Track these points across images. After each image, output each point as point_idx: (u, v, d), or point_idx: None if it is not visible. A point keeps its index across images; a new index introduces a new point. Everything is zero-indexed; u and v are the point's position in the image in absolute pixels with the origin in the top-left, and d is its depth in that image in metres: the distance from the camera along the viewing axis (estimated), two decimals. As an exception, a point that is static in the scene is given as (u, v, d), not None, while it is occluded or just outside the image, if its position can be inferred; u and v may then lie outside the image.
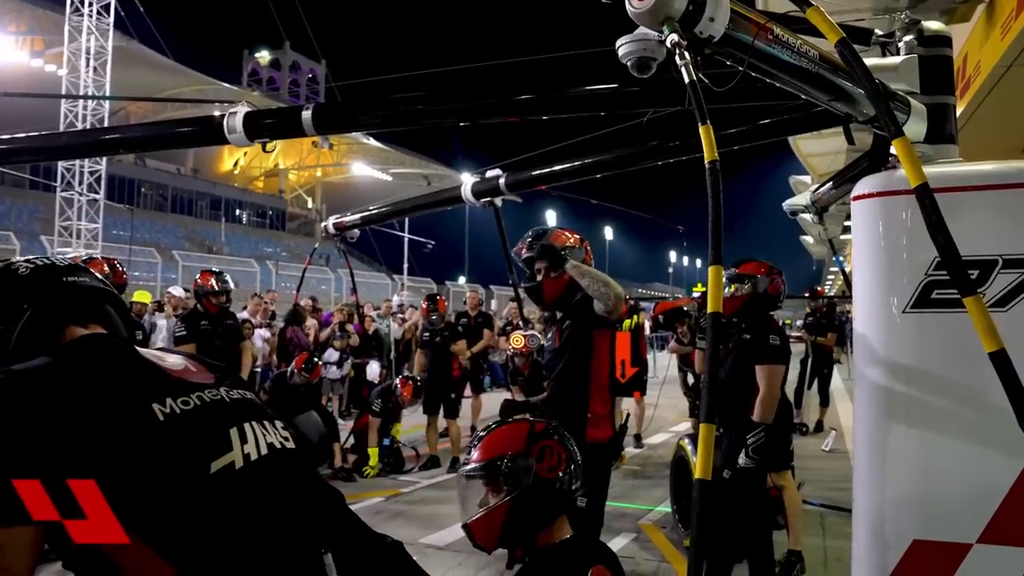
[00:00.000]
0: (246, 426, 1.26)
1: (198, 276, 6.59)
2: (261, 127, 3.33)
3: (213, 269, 6.69)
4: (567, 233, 3.77)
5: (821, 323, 9.73)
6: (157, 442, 1.14)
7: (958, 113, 3.23)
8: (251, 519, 1.18)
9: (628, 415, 7.67)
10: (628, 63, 1.94)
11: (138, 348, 1.34)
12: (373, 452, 7.36)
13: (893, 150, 2.96)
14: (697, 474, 1.59)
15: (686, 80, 1.63)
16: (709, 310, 1.57)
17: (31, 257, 1.46)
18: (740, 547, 4.01)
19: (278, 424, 1.36)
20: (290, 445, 1.35)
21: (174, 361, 1.34)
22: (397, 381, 7.56)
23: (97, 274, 1.50)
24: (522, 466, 1.85)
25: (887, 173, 2.78)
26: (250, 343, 6.71)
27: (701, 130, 1.58)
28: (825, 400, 9.28)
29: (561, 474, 1.88)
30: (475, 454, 1.93)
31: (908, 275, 2.59)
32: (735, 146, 3.53)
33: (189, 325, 6.22)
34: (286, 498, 1.26)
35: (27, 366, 1.15)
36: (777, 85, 2.20)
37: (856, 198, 2.73)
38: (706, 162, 1.60)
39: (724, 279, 4.18)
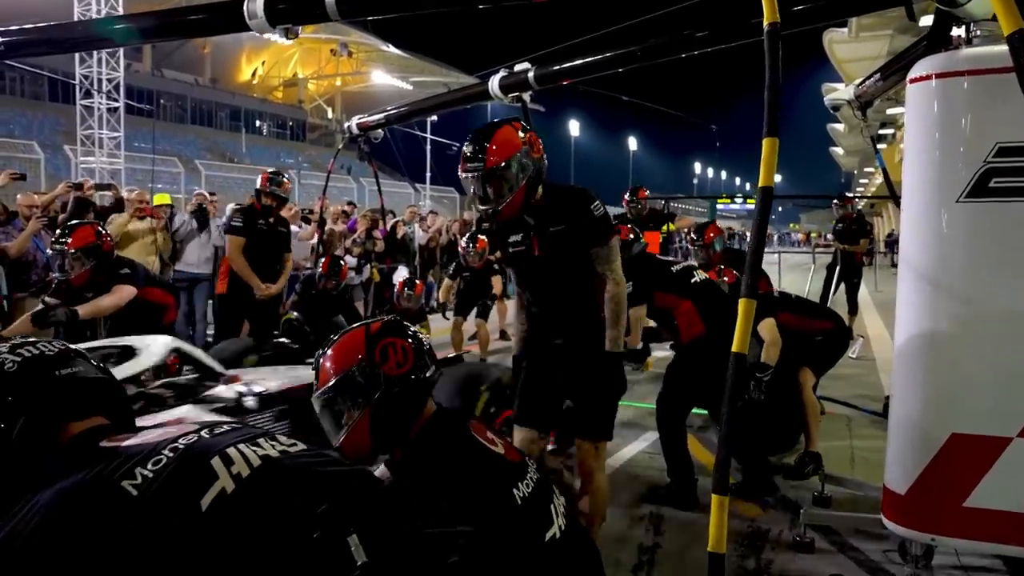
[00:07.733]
0: (229, 450, 1.22)
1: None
2: (282, 12, 3.19)
3: (269, 171, 6.34)
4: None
5: (852, 230, 9.49)
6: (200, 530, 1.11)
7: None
8: (261, 525, 1.15)
9: None
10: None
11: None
12: None
13: (955, 30, 2.78)
14: (735, 348, 1.59)
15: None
16: (761, 184, 1.49)
17: (17, 342, 1.36)
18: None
19: (279, 437, 1.33)
20: (295, 449, 1.30)
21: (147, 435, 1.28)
22: (397, 286, 7.60)
23: (92, 361, 1.41)
24: (369, 373, 1.79)
25: (948, 53, 2.59)
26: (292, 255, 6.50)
27: (763, -15, 1.45)
28: (854, 308, 9.18)
29: (411, 367, 1.83)
30: (321, 376, 1.85)
31: (965, 162, 2.44)
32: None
33: (247, 218, 5.95)
34: (300, 495, 1.22)
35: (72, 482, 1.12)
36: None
37: (913, 80, 2.56)
38: (765, 24, 1.48)
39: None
